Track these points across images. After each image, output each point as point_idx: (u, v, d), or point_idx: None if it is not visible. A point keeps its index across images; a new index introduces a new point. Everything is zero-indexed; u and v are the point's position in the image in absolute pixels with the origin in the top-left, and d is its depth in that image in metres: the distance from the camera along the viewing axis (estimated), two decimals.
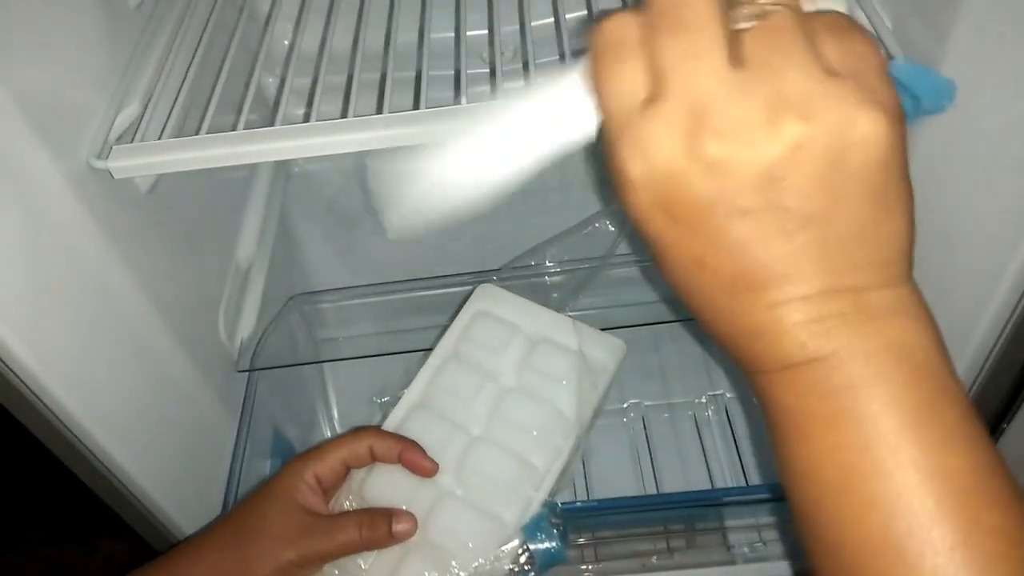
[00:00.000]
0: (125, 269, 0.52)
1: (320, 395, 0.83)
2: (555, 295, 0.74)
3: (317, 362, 0.75)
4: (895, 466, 0.26)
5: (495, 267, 0.77)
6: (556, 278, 0.78)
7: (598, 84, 0.28)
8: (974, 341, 0.47)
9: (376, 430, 0.55)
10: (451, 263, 0.76)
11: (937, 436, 0.27)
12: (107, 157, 0.48)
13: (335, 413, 0.84)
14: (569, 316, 0.61)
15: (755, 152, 0.25)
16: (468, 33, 0.59)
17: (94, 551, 0.60)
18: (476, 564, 0.49)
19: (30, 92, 0.44)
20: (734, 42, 0.26)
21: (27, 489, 0.54)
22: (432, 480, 0.53)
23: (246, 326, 0.69)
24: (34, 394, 0.45)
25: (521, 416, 0.55)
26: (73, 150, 0.48)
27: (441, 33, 0.61)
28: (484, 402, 0.56)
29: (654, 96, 0.26)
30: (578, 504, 0.59)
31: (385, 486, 0.53)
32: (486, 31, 0.65)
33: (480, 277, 0.77)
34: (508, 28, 0.60)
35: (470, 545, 0.50)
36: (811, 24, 0.26)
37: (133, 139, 0.50)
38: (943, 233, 0.48)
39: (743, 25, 0.26)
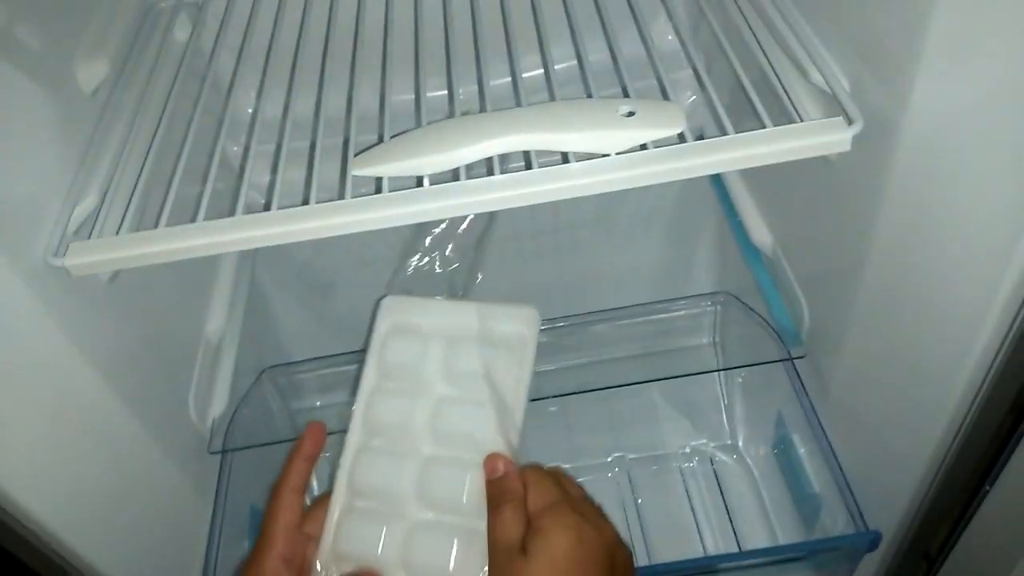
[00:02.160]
0: (86, 364, 0.50)
1: None
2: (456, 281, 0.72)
3: (291, 440, 0.73)
4: None
5: None
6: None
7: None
8: (955, 393, 0.47)
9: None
10: None
11: None
12: (64, 255, 0.47)
13: (314, 483, 0.82)
14: (471, 302, 0.58)
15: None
16: (428, 94, 0.59)
17: None
18: None
19: None
20: None
21: None
22: (398, 514, 0.51)
23: (218, 404, 0.68)
24: None
25: (461, 422, 0.53)
26: (28, 248, 0.47)
27: (401, 96, 0.61)
28: (423, 420, 0.54)
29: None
30: None
31: (355, 539, 0.51)
32: (446, 92, 0.65)
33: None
34: (466, 88, 0.59)
35: (451, 568, 0.48)
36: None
37: (91, 233, 0.49)
38: (927, 269, 0.48)
39: None
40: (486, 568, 0.47)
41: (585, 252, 0.90)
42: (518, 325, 0.56)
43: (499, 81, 0.65)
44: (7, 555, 0.47)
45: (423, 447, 0.53)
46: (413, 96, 0.59)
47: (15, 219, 0.46)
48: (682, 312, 0.75)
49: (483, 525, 0.47)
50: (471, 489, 0.50)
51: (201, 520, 0.63)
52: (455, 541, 0.48)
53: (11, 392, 0.45)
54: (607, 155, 0.45)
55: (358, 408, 0.56)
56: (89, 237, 0.48)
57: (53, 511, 0.48)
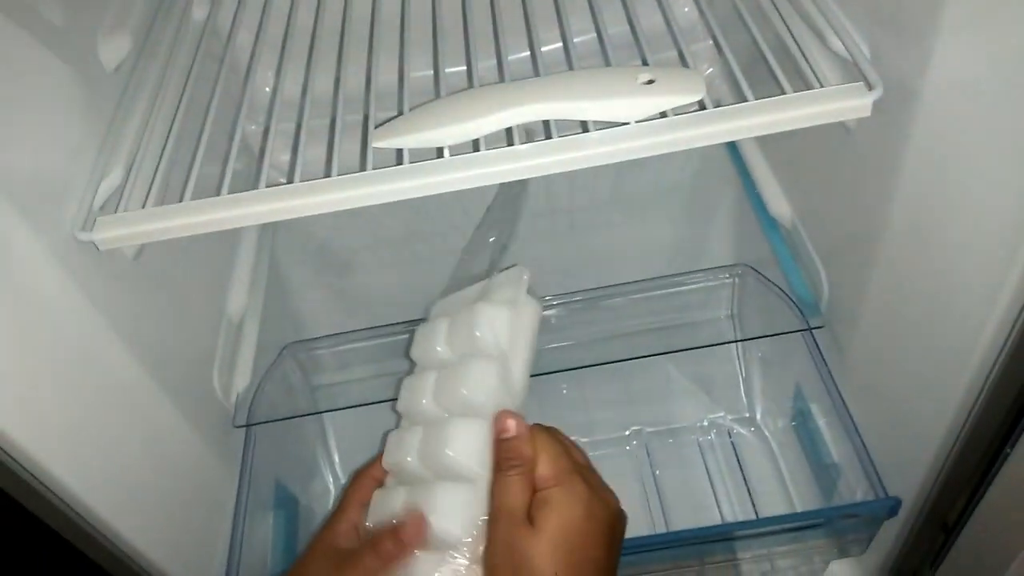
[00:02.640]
0: (114, 337, 0.51)
1: (320, 441, 0.82)
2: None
3: (314, 413, 0.74)
4: None
5: None
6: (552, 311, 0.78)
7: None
8: (973, 362, 0.47)
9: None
10: None
11: None
12: (91, 229, 0.48)
13: (336, 458, 0.83)
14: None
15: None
16: (446, 70, 0.59)
17: None
18: (468, 540, 0.48)
19: (8, 167, 0.44)
20: None
21: (29, 561, 0.54)
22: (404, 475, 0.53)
23: (241, 379, 0.69)
24: (28, 471, 0.45)
25: (460, 385, 0.53)
26: (56, 223, 0.48)
27: (420, 72, 0.61)
28: (429, 391, 0.55)
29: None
30: None
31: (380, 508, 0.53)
32: (464, 67, 0.65)
33: None
34: (485, 64, 0.60)
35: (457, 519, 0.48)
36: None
37: (117, 208, 0.49)
38: (938, 257, 0.48)
39: None
40: (484, 518, 0.47)
41: (602, 228, 0.90)
42: (506, 286, 0.57)
43: (518, 55, 0.65)
44: (38, 522, 0.49)
45: (428, 414, 0.55)
46: (432, 72, 0.59)
47: (43, 194, 0.47)
48: (699, 285, 0.76)
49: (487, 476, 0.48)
50: (468, 435, 0.50)
51: (227, 492, 0.64)
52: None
53: (44, 364, 0.46)
54: (627, 123, 0.45)
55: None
56: (115, 212, 0.49)
57: (83, 480, 0.48)
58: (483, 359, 0.53)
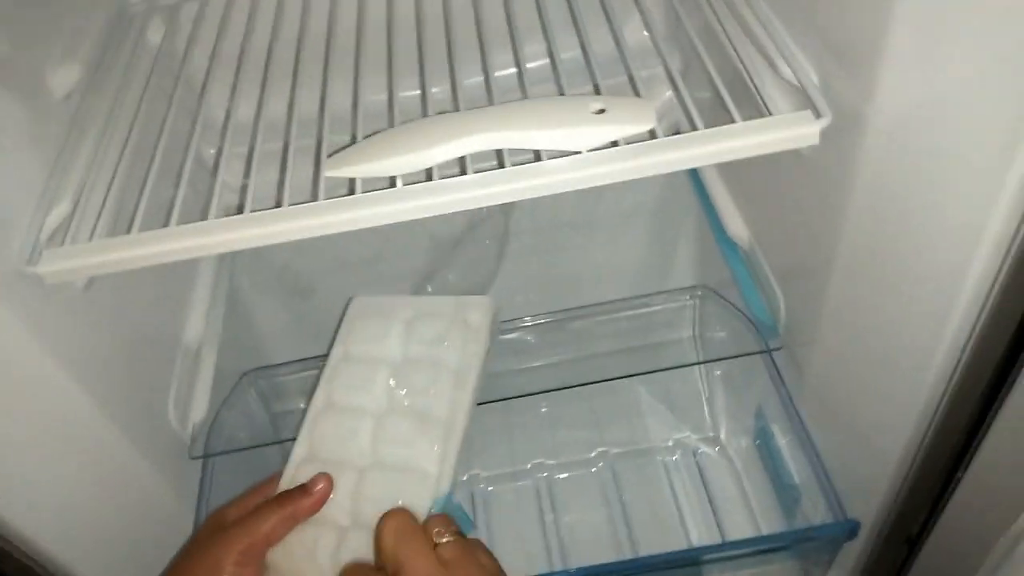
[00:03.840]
0: (63, 371, 0.50)
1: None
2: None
3: (273, 443, 0.73)
4: None
5: None
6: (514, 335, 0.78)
7: None
8: (928, 380, 0.48)
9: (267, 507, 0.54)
10: None
11: None
12: (37, 262, 0.47)
13: None
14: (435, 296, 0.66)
15: None
16: (400, 94, 0.59)
17: None
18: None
19: None
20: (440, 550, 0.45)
21: None
22: (351, 464, 0.55)
23: (199, 409, 0.67)
24: None
25: (414, 383, 0.58)
26: (1, 256, 0.47)
27: (374, 96, 0.61)
28: (380, 385, 0.59)
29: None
30: (556, 574, 0.58)
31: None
32: (419, 91, 0.65)
33: None
34: (439, 88, 0.59)
35: (400, 502, 0.51)
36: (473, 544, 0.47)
37: (64, 239, 0.49)
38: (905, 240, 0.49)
39: (446, 539, 0.46)
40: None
41: (565, 252, 0.90)
42: (476, 312, 0.60)
43: (472, 80, 0.65)
44: None
45: (377, 407, 0.58)
46: (386, 96, 0.59)
47: None
48: (661, 307, 0.76)
49: None
50: (414, 431, 0.55)
51: (183, 526, 0.63)
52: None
53: None
54: (578, 152, 0.45)
55: (321, 386, 0.61)
56: (62, 244, 0.48)
57: (30, 516, 0.48)
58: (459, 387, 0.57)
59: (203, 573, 0.49)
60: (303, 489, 0.54)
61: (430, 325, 0.61)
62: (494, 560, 0.46)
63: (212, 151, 0.76)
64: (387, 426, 0.57)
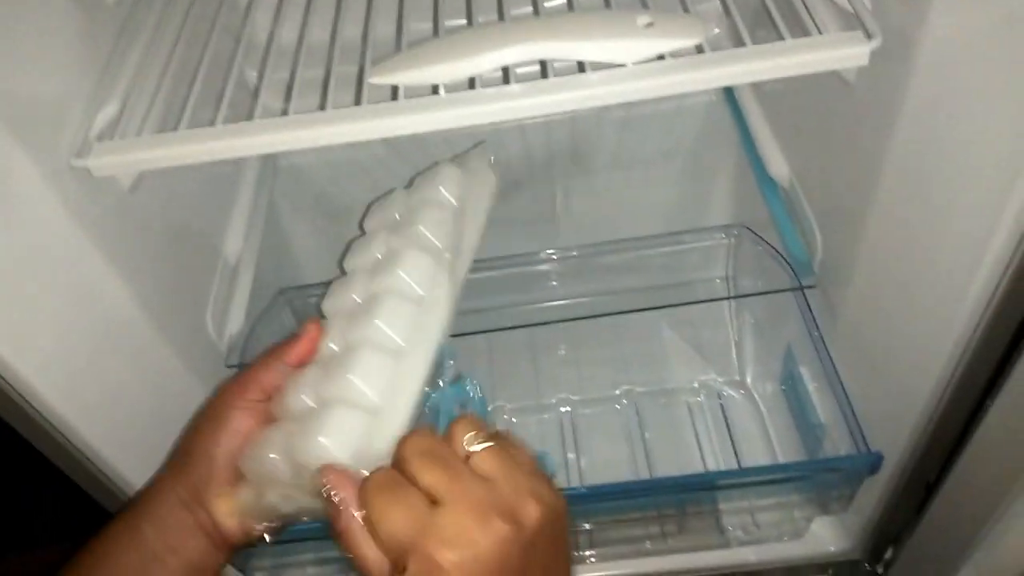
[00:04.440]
0: (109, 268, 0.52)
1: None
2: None
3: None
4: None
5: (488, 257, 0.77)
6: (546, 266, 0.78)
7: (381, 518, 0.38)
8: (971, 293, 0.47)
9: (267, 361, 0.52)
10: None
11: None
12: (87, 156, 0.48)
13: None
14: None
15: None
16: (446, 23, 0.58)
17: None
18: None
19: (5, 92, 0.44)
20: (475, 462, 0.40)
21: (28, 492, 0.55)
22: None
23: (235, 321, 0.69)
24: (24, 398, 0.46)
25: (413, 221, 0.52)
26: (52, 150, 0.48)
27: (419, 24, 0.61)
28: (379, 240, 0.54)
29: (438, 507, 0.38)
30: (569, 490, 0.59)
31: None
32: (465, 20, 0.65)
33: (473, 267, 0.77)
34: (486, 17, 0.59)
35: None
36: (507, 445, 0.41)
37: (113, 136, 0.50)
38: (926, 216, 0.48)
39: (479, 447, 0.40)
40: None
41: (603, 188, 0.90)
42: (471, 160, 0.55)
43: (520, 11, 0.64)
44: (31, 448, 0.49)
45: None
46: (431, 25, 0.59)
47: (39, 120, 0.47)
48: (695, 244, 0.76)
49: None
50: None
51: None
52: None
53: (36, 291, 0.46)
54: (623, 65, 0.45)
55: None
56: (112, 139, 0.49)
57: (76, 407, 0.49)
58: (434, 209, 0.52)
59: (205, 422, 0.50)
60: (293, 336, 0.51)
61: (428, 177, 0.55)
62: (527, 453, 0.42)
63: (254, 74, 0.76)
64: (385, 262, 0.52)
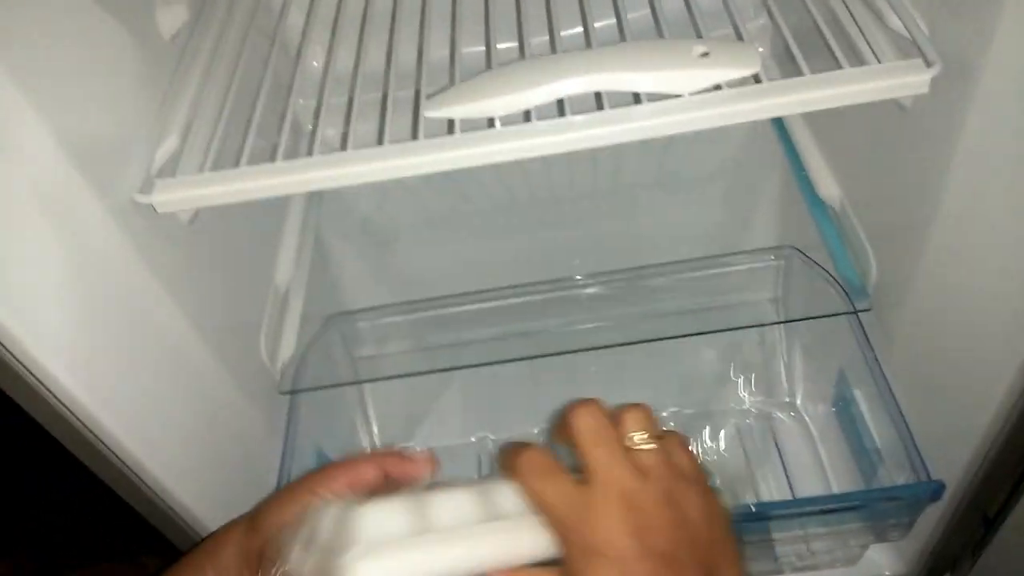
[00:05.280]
0: (169, 299, 0.53)
1: (360, 412, 0.83)
2: None
3: (357, 382, 0.75)
4: None
5: (530, 280, 0.77)
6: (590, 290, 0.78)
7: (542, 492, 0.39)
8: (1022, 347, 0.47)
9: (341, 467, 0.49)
10: (486, 278, 0.77)
11: None
12: (150, 192, 0.49)
13: (375, 429, 0.84)
14: None
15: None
16: (498, 46, 0.59)
17: (143, 568, 0.62)
18: None
19: (73, 130, 0.45)
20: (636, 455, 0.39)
21: (84, 509, 0.56)
22: None
23: (287, 348, 0.70)
24: (87, 427, 0.46)
25: None
26: (116, 186, 0.49)
27: (472, 48, 0.61)
28: None
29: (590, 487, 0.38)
30: None
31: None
32: (516, 43, 0.65)
33: (516, 291, 0.77)
34: (537, 40, 0.60)
35: None
36: (673, 446, 0.40)
37: (174, 173, 0.51)
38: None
39: (643, 447, 0.39)
40: None
41: (645, 210, 0.90)
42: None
43: (570, 31, 0.65)
44: (94, 477, 0.50)
45: None
46: (484, 48, 0.59)
47: (103, 157, 0.48)
48: (743, 266, 0.75)
49: None
50: None
51: (271, 458, 0.65)
52: None
53: (104, 323, 0.47)
54: (680, 95, 0.45)
55: None
56: (173, 176, 0.50)
57: (136, 435, 0.50)
58: None
59: (286, 492, 0.50)
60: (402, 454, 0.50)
61: None
62: (694, 460, 0.41)
63: (302, 102, 0.77)
64: None
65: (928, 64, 0.45)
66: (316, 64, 0.75)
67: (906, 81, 0.45)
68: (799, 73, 0.46)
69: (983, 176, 0.47)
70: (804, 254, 0.71)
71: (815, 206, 0.68)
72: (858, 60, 0.48)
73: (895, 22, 0.49)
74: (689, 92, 0.45)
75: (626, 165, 0.86)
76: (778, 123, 0.75)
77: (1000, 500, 0.56)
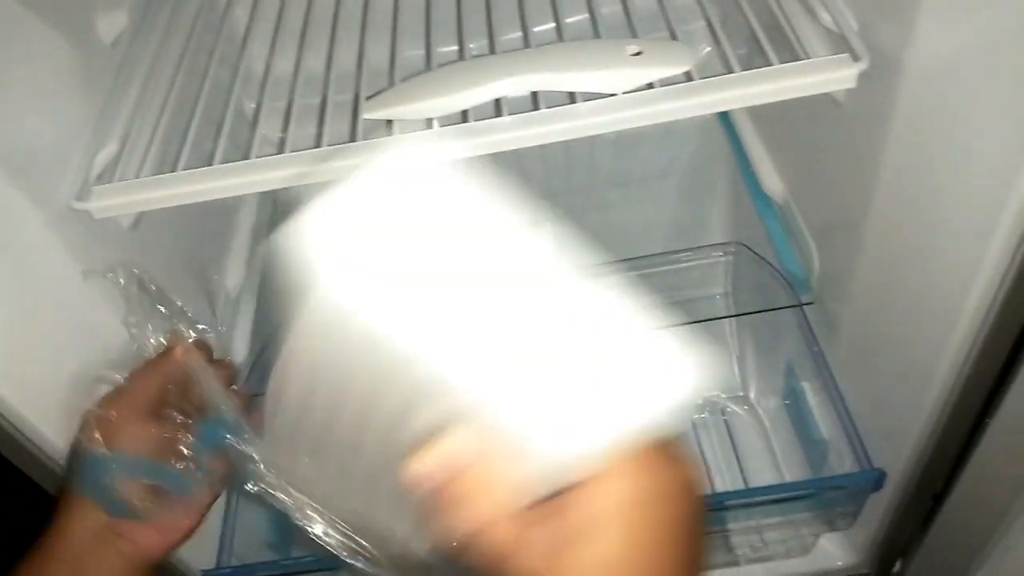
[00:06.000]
0: (109, 304, 0.52)
1: None
2: None
3: None
4: None
5: None
6: None
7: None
8: (959, 333, 0.48)
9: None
10: None
11: None
12: (87, 198, 0.48)
13: None
14: None
15: None
16: (438, 50, 0.59)
17: None
18: None
19: (5, 138, 0.45)
20: None
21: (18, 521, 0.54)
22: None
23: (238, 353, 0.69)
24: (22, 433, 0.46)
25: None
26: (52, 193, 0.48)
27: (411, 51, 0.62)
28: None
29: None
30: None
31: None
32: (456, 47, 0.66)
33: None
34: (477, 43, 0.60)
35: None
36: None
37: (112, 178, 0.50)
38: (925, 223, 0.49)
39: None
40: None
41: (599, 208, 0.90)
42: None
43: (510, 35, 0.65)
44: (35, 486, 0.50)
45: None
46: (423, 52, 0.60)
47: (39, 164, 0.48)
48: (693, 263, 0.76)
49: None
50: None
51: None
52: None
53: (39, 330, 0.47)
54: (614, 95, 0.46)
55: None
56: (111, 182, 0.50)
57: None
58: None
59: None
60: None
61: None
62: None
63: (252, 104, 0.77)
64: None
65: (856, 59, 0.46)
66: (258, 68, 0.74)
67: (834, 76, 0.45)
68: (731, 69, 0.47)
69: (913, 167, 0.48)
70: (751, 249, 0.72)
71: (760, 201, 0.69)
72: (792, 57, 0.49)
73: (826, 17, 0.49)
74: (622, 91, 0.45)
75: (579, 164, 0.86)
76: (725, 119, 0.76)
77: (944, 476, 0.57)
